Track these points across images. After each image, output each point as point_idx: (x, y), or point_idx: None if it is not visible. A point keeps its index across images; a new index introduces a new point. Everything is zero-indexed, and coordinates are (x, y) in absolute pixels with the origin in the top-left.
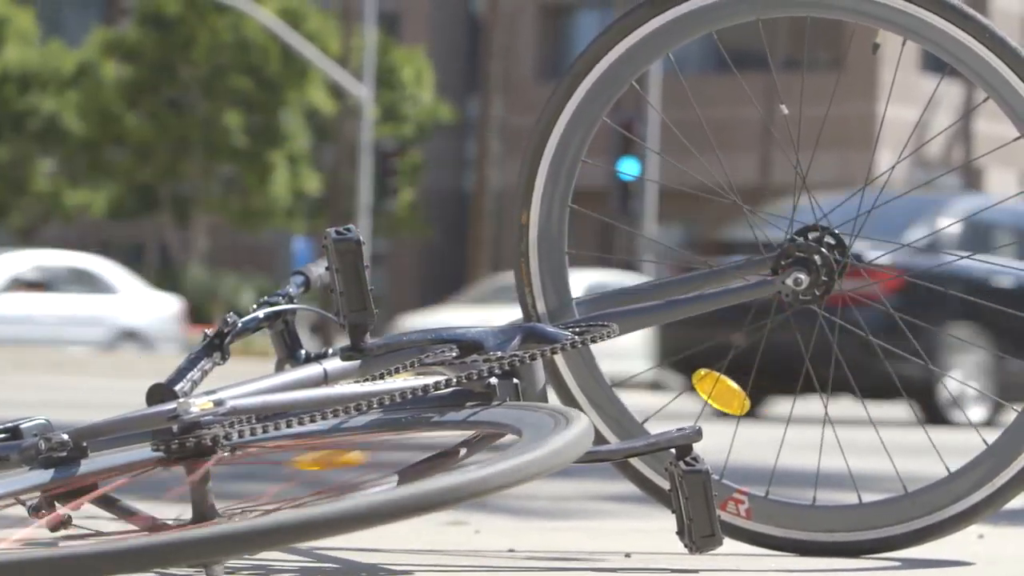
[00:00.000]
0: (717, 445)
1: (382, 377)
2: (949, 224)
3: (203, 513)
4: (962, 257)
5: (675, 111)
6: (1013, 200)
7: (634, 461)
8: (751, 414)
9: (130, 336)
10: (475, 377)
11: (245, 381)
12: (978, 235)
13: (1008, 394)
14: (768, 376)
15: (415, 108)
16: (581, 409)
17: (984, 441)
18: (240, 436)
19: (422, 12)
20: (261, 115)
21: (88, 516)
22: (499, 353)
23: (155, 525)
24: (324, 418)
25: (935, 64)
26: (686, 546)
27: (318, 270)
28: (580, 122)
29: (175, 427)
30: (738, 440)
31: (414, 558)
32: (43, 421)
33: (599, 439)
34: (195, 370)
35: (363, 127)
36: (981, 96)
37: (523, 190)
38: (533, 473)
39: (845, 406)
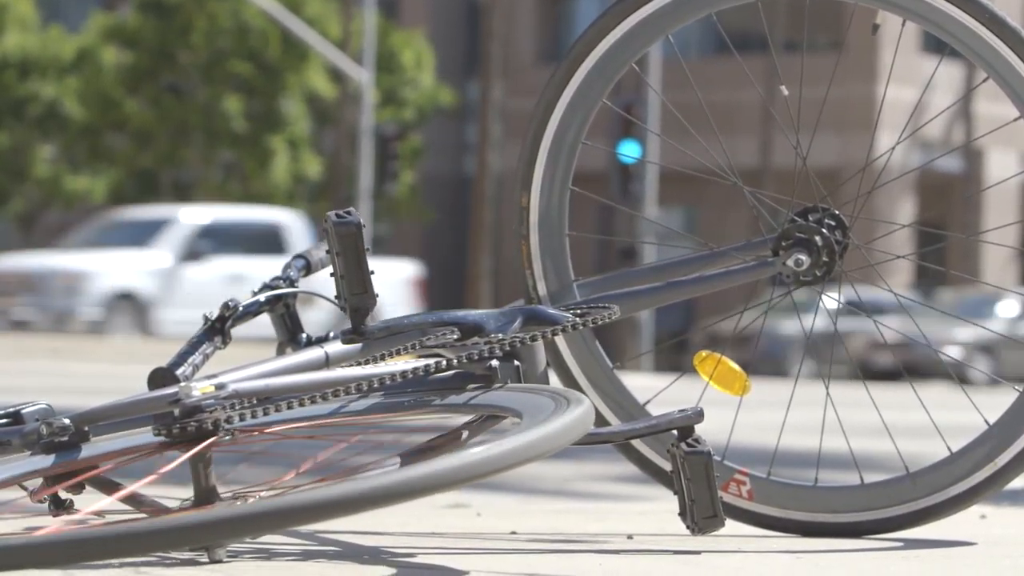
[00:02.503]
0: (718, 426)
1: (383, 360)
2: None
3: (205, 496)
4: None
5: (675, 93)
6: (1013, 180)
7: (636, 442)
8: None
9: None
10: (476, 359)
11: (246, 365)
12: None
13: None
14: None
15: (415, 92)
16: (582, 391)
17: (986, 421)
18: (242, 419)
19: None
20: (261, 100)
21: (90, 500)
22: (500, 335)
23: (157, 509)
24: (325, 401)
25: (935, 45)
26: (688, 527)
27: (319, 254)
28: (580, 105)
29: (177, 411)
30: (739, 421)
31: (416, 541)
32: (45, 406)
33: (600, 421)
34: (196, 354)
35: (363, 111)
36: (981, 76)
37: (523, 173)
38: (534, 455)
39: (846, 387)
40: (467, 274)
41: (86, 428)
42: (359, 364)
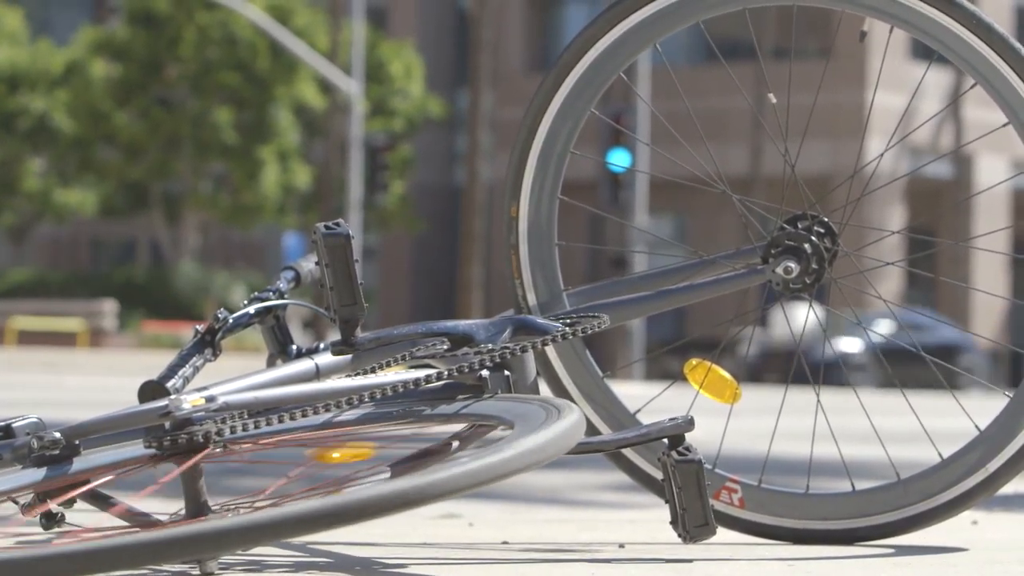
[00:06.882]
0: (709, 434)
1: (373, 371)
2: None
3: (196, 509)
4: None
5: (664, 102)
6: (1003, 185)
7: (627, 451)
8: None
9: None
10: (466, 370)
11: (237, 377)
12: None
13: None
14: None
15: (404, 102)
16: (573, 400)
17: (976, 427)
18: (232, 432)
19: (410, 6)
20: (251, 111)
21: (82, 513)
22: (490, 346)
23: (149, 522)
24: (316, 413)
25: (924, 51)
26: (680, 536)
27: (308, 265)
28: (568, 114)
29: (167, 424)
30: (730, 429)
31: (408, 552)
32: (35, 419)
33: (591, 430)
34: (187, 367)
35: (353, 122)
36: (969, 82)
37: (512, 183)
38: (526, 465)
39: (836, 393)
40: (457, 284)
41: (77, 442)
42: (349, 376)
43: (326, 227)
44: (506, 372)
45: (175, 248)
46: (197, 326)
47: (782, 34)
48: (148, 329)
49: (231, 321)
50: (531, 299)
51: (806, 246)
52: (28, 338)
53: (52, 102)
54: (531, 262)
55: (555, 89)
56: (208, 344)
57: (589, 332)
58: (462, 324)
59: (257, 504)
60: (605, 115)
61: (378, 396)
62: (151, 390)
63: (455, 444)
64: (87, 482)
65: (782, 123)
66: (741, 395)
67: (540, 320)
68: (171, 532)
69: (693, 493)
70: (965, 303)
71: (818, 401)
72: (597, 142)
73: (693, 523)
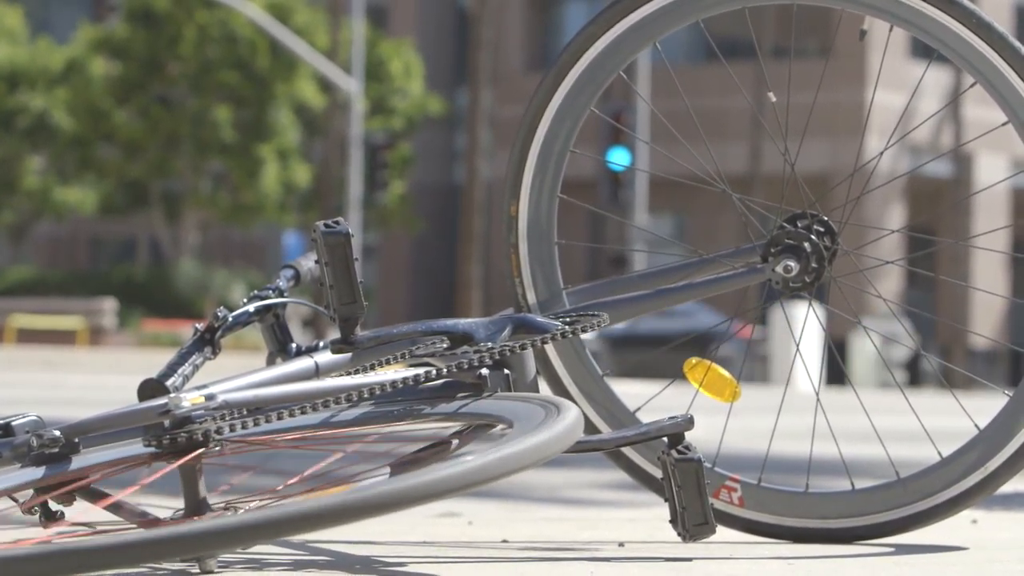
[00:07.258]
0: (709, 433)
1: (373, 369)
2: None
3: (196, 507)
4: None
5: (664, 100)
6: (1003, 184)
7: (626, 450)
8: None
9: None
10: (466, 368)
11: (236, 375)
12: None
13: None
14: None
15: (404, 101)
16: (572, 399)
17: (976, 426)
18: (232, 430)
19: (410, 4)
20: (250, 110)
21: (81, 511)
22: (490, 344)
23: (148, 520)
24: (315, 411)
25: (924, 50)
26: (679, 534)
27: (308, 264)
28: (568, 113)
29: (167, 422)
30: (730, 427)
31: (407, 550)
32: (35, 418)
33: (591, 429)
34: (186, 365)
35: (352, 121)
36: (969, 81)
37: (512, 181)
38: (525, 463)
39: (835, 392)
40: (456, 282)
41: (76, 440)
42: (349, 374)
43: (326, 225)
44: (506, 370)
45: (175, 246)
46: (197, 324)
47: (782, 33)
48: (148, 327)
49: (231, 319)
50: (531, 297)
51: (806, 245)
52: (28, 336)
53: (51, 100)
54: (531, 260)
55: (555, 87)
56: (208, 342)
57: (589, 331)
58: (462, 322)
59: (256, 502)
60: (605, 113)
61: (377, 394)
62: (151, 388)
63: (455, 442)
64: (87, 480)
65: (782, 122)
66: (741, 394)
67: (540, 318)
68: (171, 530)
69: (692, 492)
70: (965, 302)
71: (817, 400)
72: (597, 140)
73: (692, 522)
